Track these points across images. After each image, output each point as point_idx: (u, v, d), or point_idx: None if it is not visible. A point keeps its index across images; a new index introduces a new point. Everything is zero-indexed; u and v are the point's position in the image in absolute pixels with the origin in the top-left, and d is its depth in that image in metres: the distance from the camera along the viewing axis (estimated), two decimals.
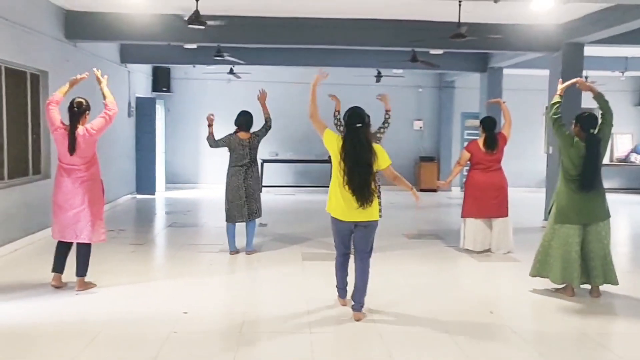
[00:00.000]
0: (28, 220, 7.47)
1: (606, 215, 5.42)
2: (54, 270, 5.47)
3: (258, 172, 7.17)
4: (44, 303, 5.05)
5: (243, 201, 6.94)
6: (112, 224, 9.08)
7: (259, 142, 7.09)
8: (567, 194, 5.38)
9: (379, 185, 6.91)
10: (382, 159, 4.78)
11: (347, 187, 4.58)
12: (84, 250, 5.44)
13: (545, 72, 10.01)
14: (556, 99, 5.57)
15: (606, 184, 5.51)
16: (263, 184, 13.95)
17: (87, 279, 5.51)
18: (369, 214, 4.73)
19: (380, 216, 7.00)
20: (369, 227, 4.82)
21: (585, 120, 5.41)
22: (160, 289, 5.64)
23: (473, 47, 9.33)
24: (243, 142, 6.96)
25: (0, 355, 3.93)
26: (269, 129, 7.17)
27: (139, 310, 4.93)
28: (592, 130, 5.37)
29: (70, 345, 4.08)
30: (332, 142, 4.75)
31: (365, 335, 4.43)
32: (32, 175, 7.85)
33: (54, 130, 5.33)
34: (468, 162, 7.41)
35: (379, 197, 6.83)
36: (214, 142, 7.01)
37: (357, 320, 4.70)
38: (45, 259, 6.10)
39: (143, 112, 12.79)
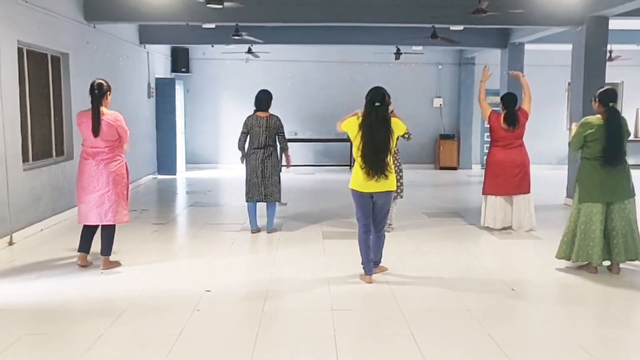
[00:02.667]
0: (53, 200, 7.60)
1: (631, 193, 5.35)
2: (80, 250, 5.57)
3: (277, 157, 7.10)
4: (70, 281, 5.17)
5: (260, 181, 6.96)
6: (134, 204, 9.20)
7: (276, 126, 6.98)
8: (590, 172, 5.32)
9: (400, 163, 6.92)
10: (398, 128, 5.08)
11: (362, 160, 4.90)
12: (109, 231, 5.53)
13: (568, 47, 9.82)
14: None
15: (629, 161, 5.43)
16: (282, 164, 13.96)
17: (111, 258, 5.62)
18: (386, 184, 5.00)
19: (401, 197, 7.05)
20: (387, 197, 5.09)
21: (604, 95, 5.34)
22: (183, 268, 5.72)
23: (494, 22, 9.18)
24: (260, 121, 6.94)
25: (28, 332, 4.04)
26: (284, 141, 7.13)
27: (163, 289, 5.02)
28: (611, 104, 5.28)
29: (96, 323, 4.17)
30: (351, 125, 5.06)
31: (387, 313, 4.46)
32: (56, 156, 7.97)
33: (79, 123, 5.41)
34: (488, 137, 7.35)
35: (400, 177, 6.87)
36: (242, 145, 7.05)
37: (379, 273, 5.32)
38: (71, 239, 6.24)
39: (163, 92, 12.85)
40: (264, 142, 6.95)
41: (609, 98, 5.31)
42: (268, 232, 7.14)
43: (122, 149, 5.53)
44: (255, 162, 6.96)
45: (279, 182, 7.13)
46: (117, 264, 5.65)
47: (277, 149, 7.11)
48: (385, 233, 5.38)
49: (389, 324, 4.25)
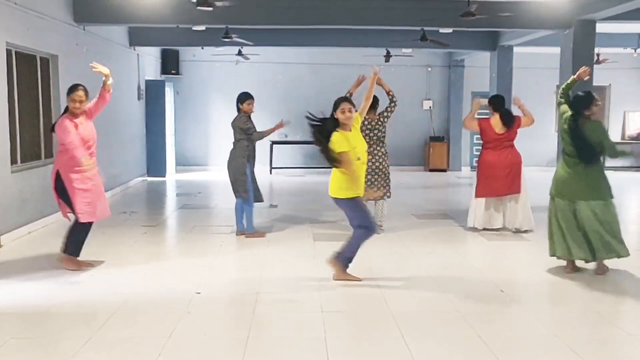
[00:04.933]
0: (42, 203, 7.55)
1: (598, 195, 5.33)
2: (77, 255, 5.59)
3: (240, 156, 6.91)
4: (58, 284, 5.13)
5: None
6: (124, 206, 9.18)
7: (236, 125, 6.95)
8: (561, 168, 5.50)
9: (388, 166, 6.96)
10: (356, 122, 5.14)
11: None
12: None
13: (557, 50, 9.90)
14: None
15: (617, 162, 5.48)
16: (273, 166, 14.01)
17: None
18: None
19: (389, 196, 7.10)
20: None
21: (573, 100, 5.46)
22: (173, 270, 5.70)
23: (483, 25, 9.23)
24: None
25: (15, 336, 4.01)
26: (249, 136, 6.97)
27: (153, 291, 5.00)
28: (578, 110, 5.34)
29: (84, 326, 4.15)
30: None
31: (377, 315, 4.47)
32: (45, 159, 7.92)
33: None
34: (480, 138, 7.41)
35: (388, 177, 6.92)
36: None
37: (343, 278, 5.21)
38: (60, 241, 6.17)
39: (153, 95, 12.81)
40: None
41: (576, 105, 5.40)
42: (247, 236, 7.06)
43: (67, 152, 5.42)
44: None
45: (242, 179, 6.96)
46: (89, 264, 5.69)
47: (236, 147, 6.92)
48: (376, 235, 5.39)
49: (380, 325, 4.26)
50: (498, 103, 7.29)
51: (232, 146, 7.01)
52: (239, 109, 7.00)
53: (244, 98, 6.96)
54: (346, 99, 5.09)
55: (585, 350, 3.80)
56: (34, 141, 7.70)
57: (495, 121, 7.20)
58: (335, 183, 5.13)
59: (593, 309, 4.64)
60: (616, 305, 4.80)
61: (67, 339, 3.97)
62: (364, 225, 5.13)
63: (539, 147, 14.56)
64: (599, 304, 4.76)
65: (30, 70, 7.61)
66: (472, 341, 3.94)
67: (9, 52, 6.92)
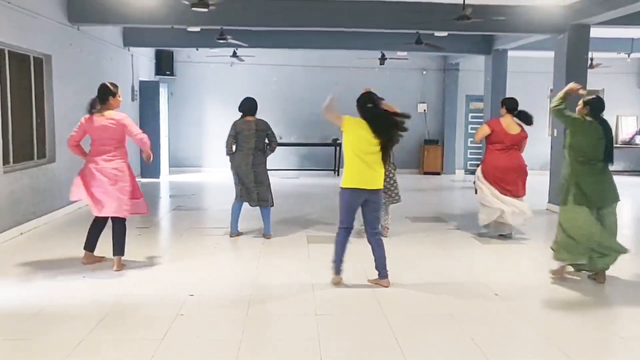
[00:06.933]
0: (34, 203, 7.51)
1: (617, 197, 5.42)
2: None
3: (265, 163, 7.04)
4: (51, 286, 5.10)
5: (253, 186, 6.91)
6: None
7: (264, 132, 6.96)
8: (589, 176, 5.27)
9: (395, 168, 6.98)
10: None
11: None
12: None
13: (551, 54, 9.94)
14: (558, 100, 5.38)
15: (610, 166, 5.46)
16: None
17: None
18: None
19: (400, 200, 7.14)
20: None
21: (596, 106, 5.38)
22: (166, 272, 5.68)
23: (478, 29, 9.25)
24: (250, 124, 6.90)
25: (7, 337, 3.99)
26: (275, 141, 7.14)
27: (146, 293, 4.98)
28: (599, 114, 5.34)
29: (78, 327, 4.13)
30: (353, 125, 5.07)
31: (371, 317, 4.46)
32: (38, 159, 7.88)
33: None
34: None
35: (395, 180, 6.95)
36: (230, 146, 6.97)
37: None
38: (52, 242, 6.17)
39: (147, 95, 12.77)
40: (253, 145, 6.90)
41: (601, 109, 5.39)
42: (268, 238, 7.05)
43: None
44: (247, 166, 6.89)
45: (270, 186, 7.09)
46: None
47: (265, 153, 7.06)
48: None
49: (373, 328, 4.26)
50: (512, 105, 7.21)
51: (256, 154, 6.91)
52: (255, 113, 7.00)
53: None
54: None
55: (576, 352, 3.81)
56: (27, 141, 7.65)
57: (507, 122, 7.16)
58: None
59: (584, 312, 4.65)
60: (608, 309, 4.82)
61: (60, 340, 3.94)
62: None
63: (532, 150, 14.52)
64: (591, 307, 4.78)
65: (23, 70, 7.57)
66: (464, 344, 3.94)
67: (1, 52, 6.88)
